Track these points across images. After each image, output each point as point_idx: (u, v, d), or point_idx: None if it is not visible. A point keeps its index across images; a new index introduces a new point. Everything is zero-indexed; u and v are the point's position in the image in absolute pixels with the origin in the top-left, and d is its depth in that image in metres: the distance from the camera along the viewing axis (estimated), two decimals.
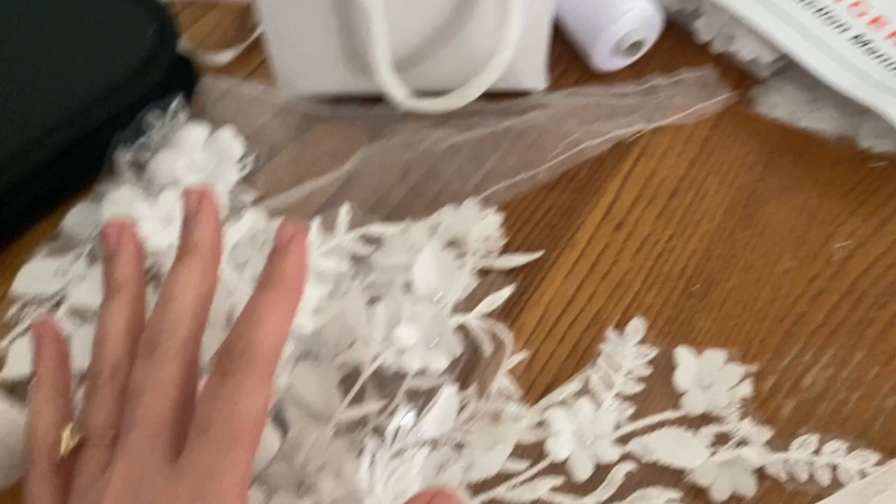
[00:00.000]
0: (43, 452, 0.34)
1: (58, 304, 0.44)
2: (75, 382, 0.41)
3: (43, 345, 0.36)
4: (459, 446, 0.40)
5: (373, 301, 0.43)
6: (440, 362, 0.40)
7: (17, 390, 0.41)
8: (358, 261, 0.44)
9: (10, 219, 0.46)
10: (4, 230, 0.46)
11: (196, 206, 0.35)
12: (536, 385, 0.42)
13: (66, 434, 0.33)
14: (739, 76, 0.51)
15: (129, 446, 0.32)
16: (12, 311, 0.44)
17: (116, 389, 0.34)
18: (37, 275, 0.45)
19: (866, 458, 0.39)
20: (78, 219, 0.47)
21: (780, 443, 0.40)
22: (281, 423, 0.40)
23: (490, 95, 0.49)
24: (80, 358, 0.42)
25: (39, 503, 0.33)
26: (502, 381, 0.41)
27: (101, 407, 0.33)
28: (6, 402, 0.40)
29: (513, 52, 0.43)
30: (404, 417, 0.39)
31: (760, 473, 0.39)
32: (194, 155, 0.47)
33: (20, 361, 0.42)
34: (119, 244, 0.36)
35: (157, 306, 0.34)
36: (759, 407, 0.41)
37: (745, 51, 0.49)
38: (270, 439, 0.39)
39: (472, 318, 0.42)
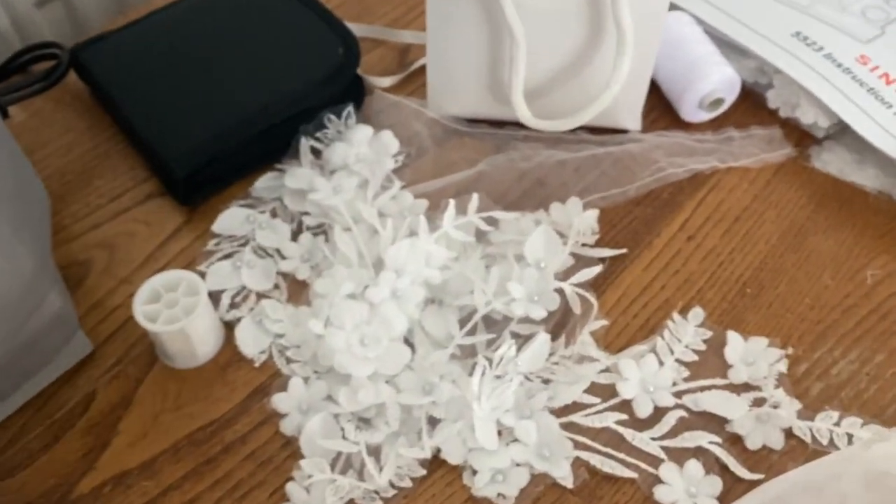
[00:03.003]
0: None
1: (244, 244, 0.57)
2: (256, 302, 0.54)
3: None
4: (546, 381, 0.51)
5: (488, 267, 0.54)
6: (539, 312, 0.51)
7: (212, 298, 0.54)
8: (480, 236, 0.56)
9: (217, 177, 0.60)
10: (211, 184, 0.60)
11: None
12: (611, 346, 0.53)
13: None
14: (800, 136, 0.62)
15: None
16: (211, 244, 0.57)
17: None
18: (231, 220, 0.58)
19: (878, 430, 0.48)
20: (265, 184, 0.60)
21: (806, 414, 0.49)
22: (410, 346, 0.51)
23: (595, 130, 0.62)
24: (262, 282, 0.55)
25: None
26: (585, 336, 0.52)
27: None
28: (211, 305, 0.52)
29: (622, 87, 0.55)
30: (507, 350, 0.50)
31: (788, 434, 0.49)
32: (360, 148, 0.60)
33: (216, 279, 0.55)
34: None
35: None
36: (792, 385, 0.50)
37: (807, 116, 0.61)
38: (403, 354, 0.50)
39: (568, 285, 0.53)
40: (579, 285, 0.53)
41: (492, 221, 0.56)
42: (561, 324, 0.52)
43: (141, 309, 0.49)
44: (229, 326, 0.53)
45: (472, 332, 0.52)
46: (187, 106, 0.60)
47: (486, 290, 0.52)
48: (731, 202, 0.59)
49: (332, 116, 0.62)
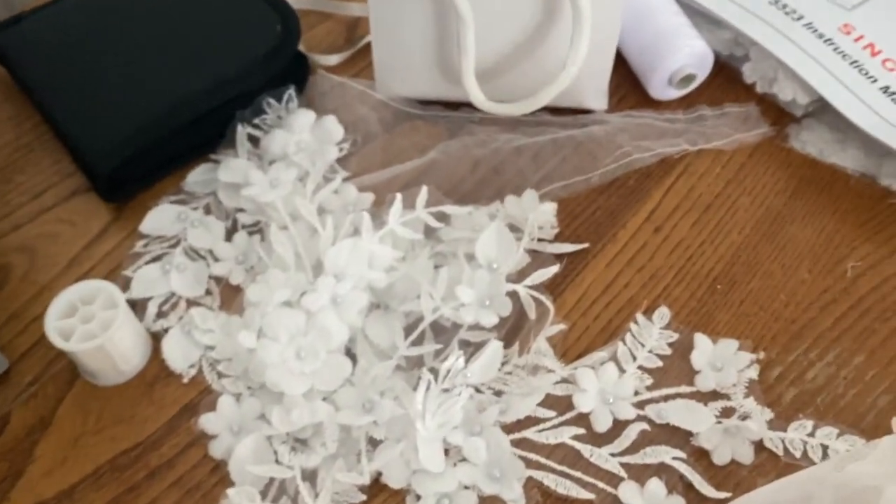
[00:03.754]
0: None
1: (175, 245, 0.53)
2: (186, 310, 0.50)
3: None
4: (498, 393, 0.47)
5: (437, 267, 0.50)
6: (491, 319, 0.47)
7: (138, 307, 0.50)
8: (429, 233, 0.52)
9: (145, 171, 0.55)
10: (138, 181, 0.55)
11: None
12: (570, 352, 0.49)
13: None
14: (778, 114, 0.58)
15: None
16: (139, 245, 0.53)
17: None
18: (161, 218, 0.54)
19: (854, 442, 0.45)
20: (199, 178, 0.56)
21: (779, 423, 0.46)
22: (351, 357, 0.47)
23: (557, 110, 0.57)
24: (193, 287, 0.51)
25: None
26: (541, 343, 0.48)
27: None
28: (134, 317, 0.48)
29: (580, 66, 0.51)
30: (455, 361, 0.46)
31: (759, 446, 0.45)
32: (302, 135, 0.56)
33: (143, 285, 0.51)
34: None
35: None
36: (763, 391, 0.47)
37: (785, 92, 0.56)
38: (342, 368, 0.46)
39: (522, 287, 0.49)
40: (535, 287, 0.49)
41: (442, 217, 0.52)
42: (515, 330, 0.48)
43: (54, 325, 0.45)
44: (158, 337, 0.49)
45: (419, 341, 0.48)
46: (111, 94, 0.55)
47: (433, 294, 0.48)
48: (701, 188, 0.55)
49: (272, 100, 0.57)
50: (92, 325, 0.45)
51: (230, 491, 0.43)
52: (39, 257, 0.53)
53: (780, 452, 0.45)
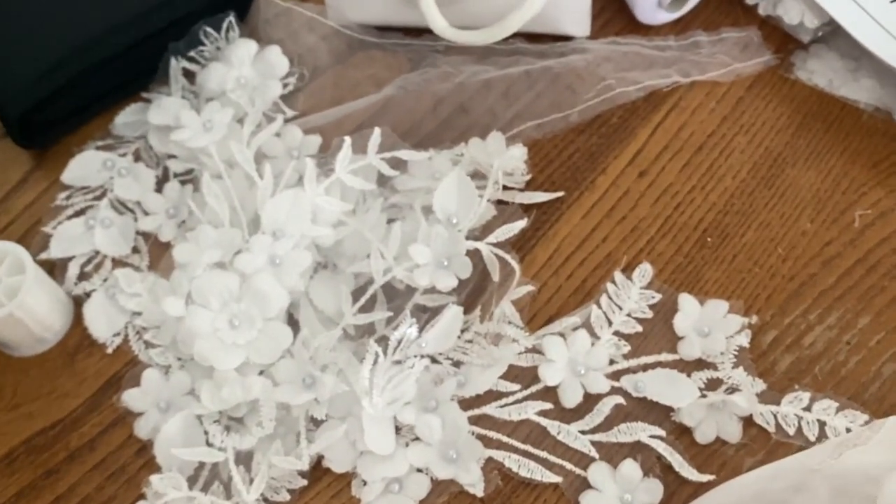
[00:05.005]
0: None
1: (101, 196, 0.47)
2: (111, 270, 0.45)
3: None
4: (457, 364, 0.42)
5: (391, 222, 0.44)
6: (449, 281, 0.42)
7: (56, 269, 0.45)
8: (383, 182, 0.46)
9: (66, 112, 0.49)
10: (60, 123, 0.49)
11: None
12: (539, 316, 0.44)
13: None
14: (782, 40, 0.51)
15: None
16: (61, 197, 0.47)
17: None
18: (85, 166, 0.48)
19: (855, 417, 0.40)
20: (128, 119, 0.50)
21: (771, 396, 0.41)
22: (294, 323, 0.42)
23: (532, 37, 0.50)
24: (119, 245, 0.46)
25: None
26: (506, 307, 0.43)
27: None
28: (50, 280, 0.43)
29: None
30: (408, 330, 0.41)
31: (748, 422, 0.40)
32: (242, 69, 0.49)
33: (63, 243, 0.46)
34: None
35: None
36: (755, 359, 0.42)
37: (791, 14, 0.49)
38: (281, 338, 0.41)
39: (484, 245, 0.43)
40: (499, 245, 0.43)
41: (398, 163, 0.46)
42: (476, 293, 0.43)
43: None
44: (80, 302, 0.44)
45: (368, 307, 0.43)
46: (23, 25, 0.49)
47: (385, 253, 0.43)
48: (693, 126, 0.48)
49: (210, 29, 0.50)
50: None
51: (154, 478, 0.38)
52: None
53: (772, 429, 0.40)
